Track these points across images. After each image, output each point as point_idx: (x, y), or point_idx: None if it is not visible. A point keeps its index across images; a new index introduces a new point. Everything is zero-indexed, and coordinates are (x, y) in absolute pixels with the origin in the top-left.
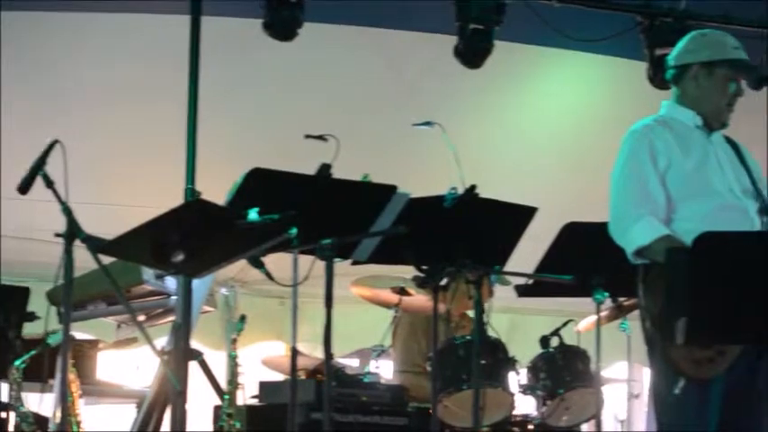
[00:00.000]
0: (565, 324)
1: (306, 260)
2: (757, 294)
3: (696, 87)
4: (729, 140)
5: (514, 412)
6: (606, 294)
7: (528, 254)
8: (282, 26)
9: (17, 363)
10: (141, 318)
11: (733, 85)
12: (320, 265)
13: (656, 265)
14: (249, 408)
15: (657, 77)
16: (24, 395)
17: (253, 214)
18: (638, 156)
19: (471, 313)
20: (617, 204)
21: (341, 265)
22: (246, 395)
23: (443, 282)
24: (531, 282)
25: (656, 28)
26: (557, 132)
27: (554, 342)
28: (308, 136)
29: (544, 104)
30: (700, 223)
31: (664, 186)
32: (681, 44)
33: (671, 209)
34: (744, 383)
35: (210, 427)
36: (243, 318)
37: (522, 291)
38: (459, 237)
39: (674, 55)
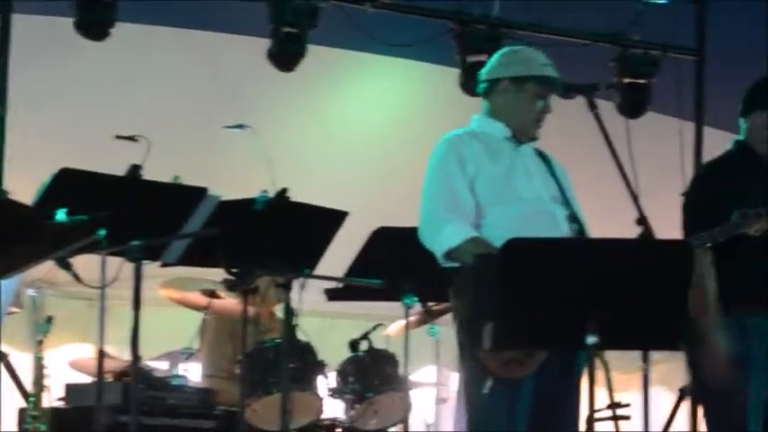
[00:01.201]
0: (374, 328)
1: (115, 262)
2: (563, 299)
3: (505, 101)
4: (539, 152)
5: (323, 416)
6: (415, 299)
7: (342, 258)
8: (94, 26)
9: None
10: None
11: (541, 101)
12: (129, 266)
13: (465, 269)
14: (54, 410)
15: (469, 84)
16: None
17: (61, 215)
18: (448, 163)
19: (280, 314)
20: (427, 209)
21: (150, 267)
22: (53, 397)
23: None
24: (341, 285)
25: (468, 35)
26: (370, 136)
27: (363, 346)
28: (118, 137)
29: (358, 109)
30: (507, 229)
31: (472, 193)
32: (493, 59)
33: (479, 215)
34: (554, 384)
35: (15, 429)
36: (50, 319)
37: (332, 294)
38: (270, 240)
39: (486, 69)
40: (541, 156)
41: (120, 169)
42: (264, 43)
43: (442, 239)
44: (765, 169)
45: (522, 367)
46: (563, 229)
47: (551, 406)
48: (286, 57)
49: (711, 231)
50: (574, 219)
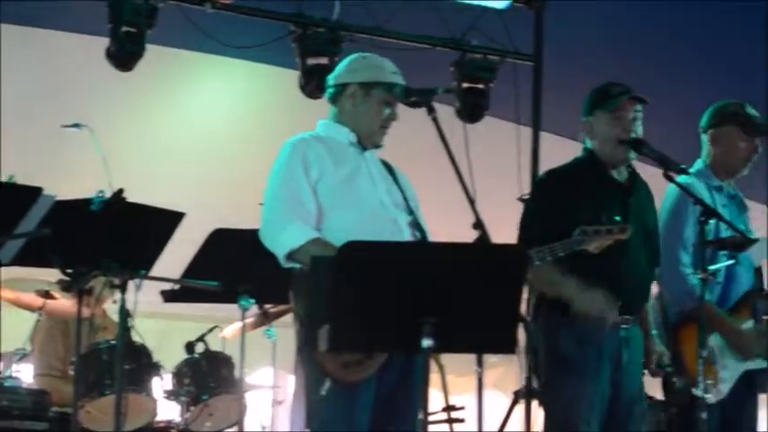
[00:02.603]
0: (210, 330)
1: None
2: (399, 302)
3: (353, 106)
4: (384, 162)
5: (157, 418)
6: (252, 301)
7: (181, 259)
8: None
9: None
10: None
11: (387, 109)
12: None
13: (304, 270)
14: None
15: (309, 86)
16: None
17: None
18: (292, 166)
19: (114, 315)
20: (269, 210)
21: None
22: None
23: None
24: (177, 287)
25: (308, 37)
26: (210, 137)
27: (199, 348)
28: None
29: (198, 109)
30: (347, 233)
31: (315, 196)
32: (342, 64)
33: (321, 218)
34: (395, 385)
35: None
36: None
37: (168, 296)
38: (106, 240)
39: (334, 74)
40: (386, 165)
41: None
42: (103, 42)
43: (284, 240)
44: (607, 179)
45: (362, 369)
46: (405, 235)
47: (393, 406)
48: (124, 56)
49: (552, 246)
50: (416, 225)
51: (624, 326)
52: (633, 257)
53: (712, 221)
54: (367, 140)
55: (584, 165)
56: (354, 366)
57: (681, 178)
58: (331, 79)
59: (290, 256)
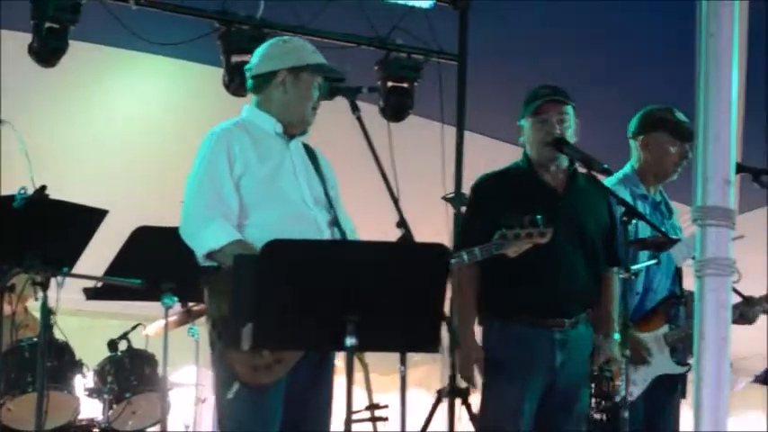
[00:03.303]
0: (133, 328)
1: None
2: (322, 301)
3: (284, 93)
4: (308, 148)
5: (80, 416)
6: (175, 299)
7: (105, 256)
8: None
9: None
10: None
11: (316, 90)
12: None
13: (222, 270)
14: None
15: (233, 84)
16: None
17: None
18: (215, 159)
19: (36, 313)
20: (191, 205)
21: None
22: None
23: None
24: (99, 285)
25: (232, 35)
26: (135, 134)
27: (122, 346)
28: None
29: (123, 106)
30: (269, 231)
31: (238, 192)
32: (260, 52)
33: (243, 215)
34: (307, 385)
35: None
36: None
37: (91, 294)
38: (29, 238)
39: (254, 63)
40: (309, 152)
41: None
42: (25, 38)
43: (204, 239)
44: (538, 181)
45: (271, 373)
46: (324, 234)
47: (305, 406)
48: (48, 52)
49: (471, 251)
50: (335, 223)
51: (558, 328)
52: (567, 260)
53: (634, 221)
54: (298, 126)
55: (518, 168)
56: (264, 370)
57: (607, 180)
58: (252, 69)
59: (210, 255)
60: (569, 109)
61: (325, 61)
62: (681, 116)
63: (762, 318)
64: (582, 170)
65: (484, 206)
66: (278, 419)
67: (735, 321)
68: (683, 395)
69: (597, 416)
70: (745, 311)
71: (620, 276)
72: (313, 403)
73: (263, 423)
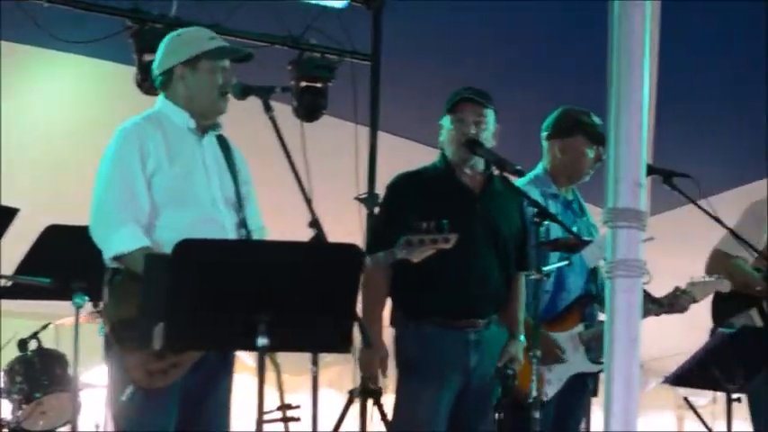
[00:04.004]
0: (44, 327)
1: None
2: (234, 301)
3: (185, 87)
4: (222, 140)
5: None
6: (86, 298)
7: (16, 255)
8: None
9: None
10: None
11: (219, 75)
12: None
13: (126, 273)
14: None
15: (145, 82)
16: None
17: None
18: (127, 157)
19: None
20: (100, 205)
21: None
22: None
23: None
24: (9, 284)
25: (145, 33)
26: (47, 133)
27: (32, 345)
28: None
29: (35, 104)
30: (178, 233)
31: (149, 191)
32: (160, 49)
33: (154, 215)
34: (202, 386)
35: None
36: None
37: (1, 292)
38: None
39: (157, 62)
40: (224, 145)
41: None
42: None
43: (113, 243)
44: (455, 182)
45: (166, 377)
46: (231, 236)
47: (201, 404)
48: None
49: (376, 257)
50: (243, 225)
51: (472, 329)
52: (482, 262)
53: (546, 222)
54: (210, 116)
55: (435, 169)
56: (159, 374)
57: (519, 181)
58: (156, 68)
59: (117, 258)
60: (488, 112)
61: (224, 44)
62: (596, 120)
63: (669, 319)
64: (497, 173)
65: (398, 206)
66: (173, 420)
67: (666, 311)
68: (595, 393)
69: (497, 415)
70: (677, 298)
71: (532, 278)
72: (210, 403)
73: (158, 425)
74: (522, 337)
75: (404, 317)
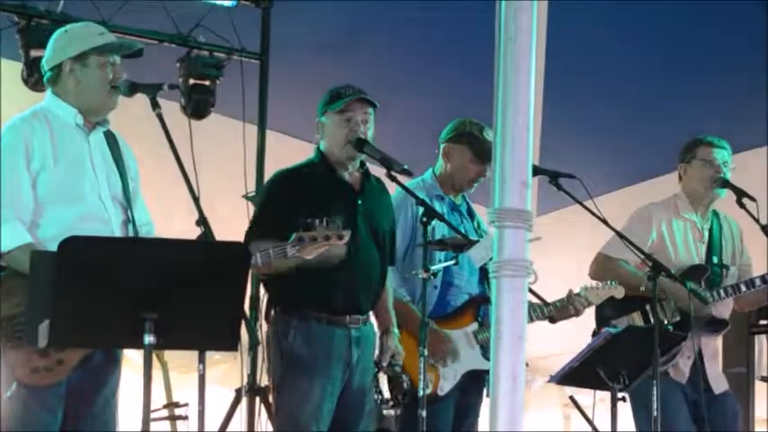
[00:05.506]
0: None
1: None
2: (120, 299)
3: (75, 83)
4: (110, 136)
5: None
6: None
7: None
8: None
9: None
10: None
11: (109, 69)
12: None
13: (8, 270)
14: None
15: (32, 79)
16: None
17: None
18: (13, 154)
19: None
20: None
21: None
22: None
23: None
24: None
25: (32, 29)
26: None
27: None
28: None
29: None
30: (63, 230)
31: (34, 189)
32: (49, 46)
33: (38, 212)
34: (89, 384)
35: None
36: None
37: None
38: None
39: (46, 58)
40: (112, 141)
41: None
42: None
43: None
44: (336, 179)
45: (51, 375)
46: (117, 233)
47: (86, 401)
48: None
49: (265, 254)
50: (130, 222)
51: (354, 325)
52: (364, 257)
53: (433, 222)
54: (99, 112)
55: (313, 165)
56: (44, 372)
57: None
58: (45, 64)
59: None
60: (372, 111)
61: (114, 39)
62: (489, 136)
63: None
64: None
65: (278, 201)
66: (58, 419)
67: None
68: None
69: (391, 412)
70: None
71: (420, 276)
72: (97, 401)
73: (42, 423)
74: (395, 330)
75: (283, 313)
